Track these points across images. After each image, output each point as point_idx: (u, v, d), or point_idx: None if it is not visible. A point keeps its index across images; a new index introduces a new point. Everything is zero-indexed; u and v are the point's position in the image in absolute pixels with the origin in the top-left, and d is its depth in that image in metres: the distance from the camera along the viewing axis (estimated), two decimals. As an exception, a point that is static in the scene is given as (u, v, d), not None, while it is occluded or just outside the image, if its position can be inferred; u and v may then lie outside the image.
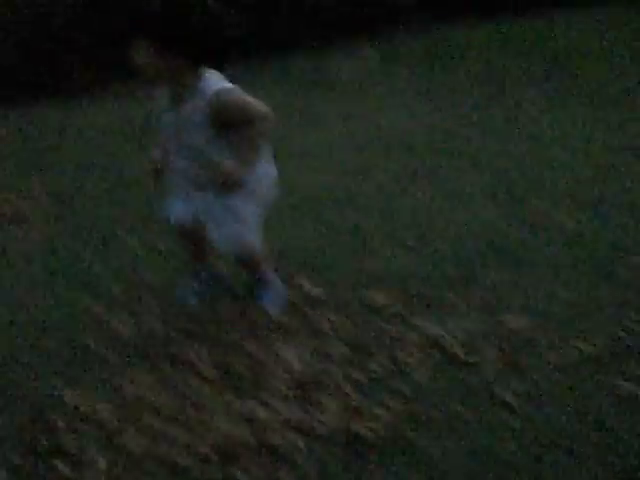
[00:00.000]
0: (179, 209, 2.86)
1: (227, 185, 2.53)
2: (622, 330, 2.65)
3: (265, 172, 2.74)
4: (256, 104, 2.53)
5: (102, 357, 2.73)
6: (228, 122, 2.53)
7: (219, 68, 2.60)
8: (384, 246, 3.44)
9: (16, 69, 7.01)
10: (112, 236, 3.77)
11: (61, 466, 2.18)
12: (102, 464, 2.18)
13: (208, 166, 2.58)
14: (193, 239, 2.97)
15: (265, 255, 2.97)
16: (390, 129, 5.21)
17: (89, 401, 2.46)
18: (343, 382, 2.49)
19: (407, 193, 4.03)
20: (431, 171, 4.33)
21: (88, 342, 2.83)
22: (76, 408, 2.43)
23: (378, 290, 3.04)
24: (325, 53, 7.82)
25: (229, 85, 2.57)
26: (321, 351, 2.67)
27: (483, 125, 5.12)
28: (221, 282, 3.16)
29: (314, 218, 3.78)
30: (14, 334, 2.95)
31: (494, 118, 5.26)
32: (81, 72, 7.23)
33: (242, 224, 2.74)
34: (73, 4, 7.20)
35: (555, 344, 2.59)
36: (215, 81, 2.55)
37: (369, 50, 7.74)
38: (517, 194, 3.90)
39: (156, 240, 3.65)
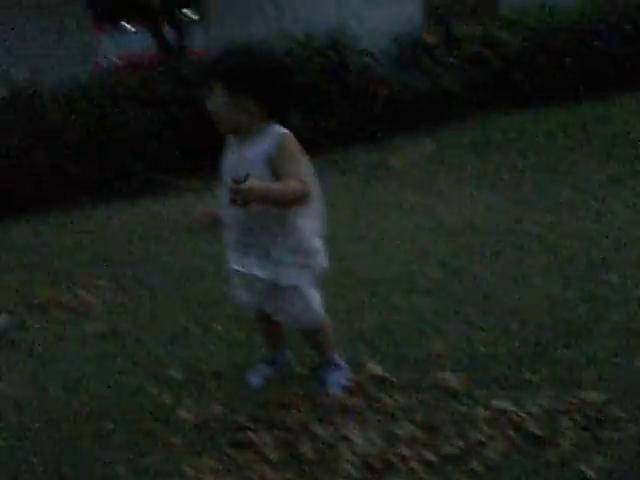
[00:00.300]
0: (242, 296, 2.85)
1: (239, 198, 2.40)
2: None
3: (316, 244, 2.75)
4: (306, 167, 2.60)
5: (165, 442, 2.68)
6: (280, 168, 2.55)
7: (284, 117, 2.65)
8: (451, 326, 3.35)
9: (81, 172, 7.29)
10: (176, 325, 3.76)
11: None
12: None
13: (267, 211, 2.56)
14: (262, 320, 2.98)
15: (330, 330, 2.94)
16: (451, 213, 5.19)
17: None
18: (413, 462, 2.39)
19: (472, 273, 3.96)
20: (496, 252, 4.26)
21: (151, 427, 2.78)
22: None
23: (446, 369, 2.95)
24: (384, 146, 7.97)
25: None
26: (389, 432, 2.58)
27: (546, 205, 5.06)
28: (286, 365, 3.11)
29: (379, 302, 3.72)
30: (76, 419, 2.93)
31: (556, 198, 5.20)
32: (145, 173, 7.48)
33: (303, 301, 2.74)
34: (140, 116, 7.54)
35: (635, 416, 2.46)
36: (281, 127, 2.61)
37: (426, 141, 7.84)
38: (585, 269, 3.80)
39: (219, 329, 3.63)
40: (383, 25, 9.22)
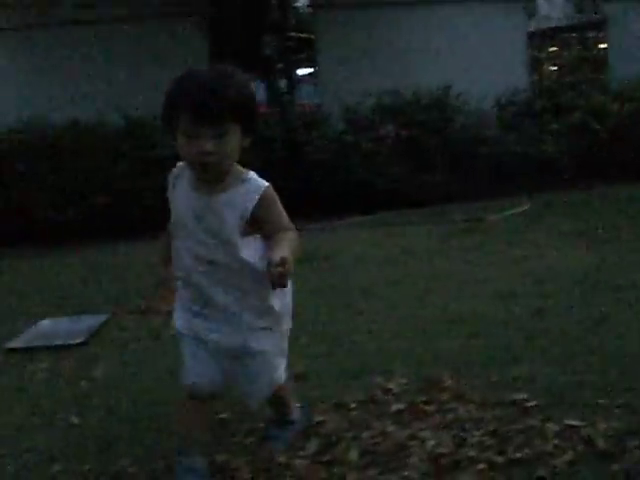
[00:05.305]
0: (196, 367, 2.48)
1: (279, 279, 2.13)
2: None
3: (287, 307, 2.59)
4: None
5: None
6: (266, 221, 2.35)
7: None
8: (531, 359, 3.38)
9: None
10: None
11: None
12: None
13: (238, 265, 2.36)
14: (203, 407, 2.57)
15: (290, 390, 2.84)
16: (541, 263, 5.27)
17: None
18: (481, 464, 2.45)
19: (555, 314, 4.00)
20: (582, 298, 4.28)
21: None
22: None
23: (522, 391, 3.00)
24: (482, 203, 8.13)
25: None
26: (459, 436, 2.65)
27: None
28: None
29: (468, 335, 3.77)
30: (156, 402, 3.18)
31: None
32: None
33: (274, 369, 2.57)
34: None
35: None
36: (258, 177, 2.40)
37: (523, 200, 7.93)
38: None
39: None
40: (489, 88, 9.37)
